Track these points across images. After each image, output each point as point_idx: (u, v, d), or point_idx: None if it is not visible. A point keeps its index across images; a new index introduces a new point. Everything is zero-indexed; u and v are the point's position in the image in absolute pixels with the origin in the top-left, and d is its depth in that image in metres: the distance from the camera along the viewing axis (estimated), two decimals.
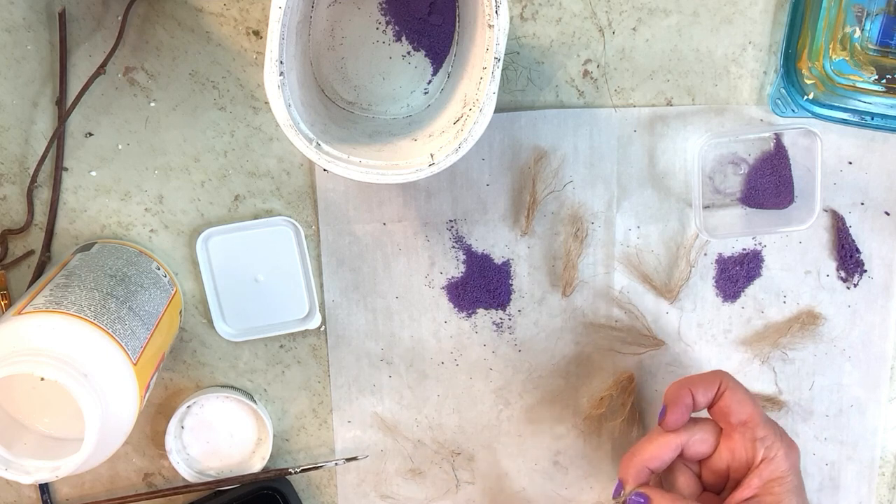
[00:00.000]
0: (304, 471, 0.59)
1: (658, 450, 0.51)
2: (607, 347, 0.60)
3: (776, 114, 0.55)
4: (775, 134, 0.56)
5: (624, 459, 0.52)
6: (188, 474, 0.58)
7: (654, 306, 0.59)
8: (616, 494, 0.52)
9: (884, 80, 0.53)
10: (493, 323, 0.59)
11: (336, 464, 0.60)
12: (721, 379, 0.51)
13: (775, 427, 0.51)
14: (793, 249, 0.59)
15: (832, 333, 0.60)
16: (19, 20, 0.52)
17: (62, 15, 0.52)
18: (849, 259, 0.58)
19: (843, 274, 0.59)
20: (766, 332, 0.60)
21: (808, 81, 0.54)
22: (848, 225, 0.58)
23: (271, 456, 0.59)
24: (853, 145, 0.57)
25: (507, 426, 0.61)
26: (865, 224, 0.58)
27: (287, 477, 0.60)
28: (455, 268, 0.58)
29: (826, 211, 0.58)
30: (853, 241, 0.58)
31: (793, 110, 0.54)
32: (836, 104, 0.54)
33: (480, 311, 0.59)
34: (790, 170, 0.56)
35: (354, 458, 0.60)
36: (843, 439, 0.62)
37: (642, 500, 0.50)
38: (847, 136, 0.57)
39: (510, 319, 0.59)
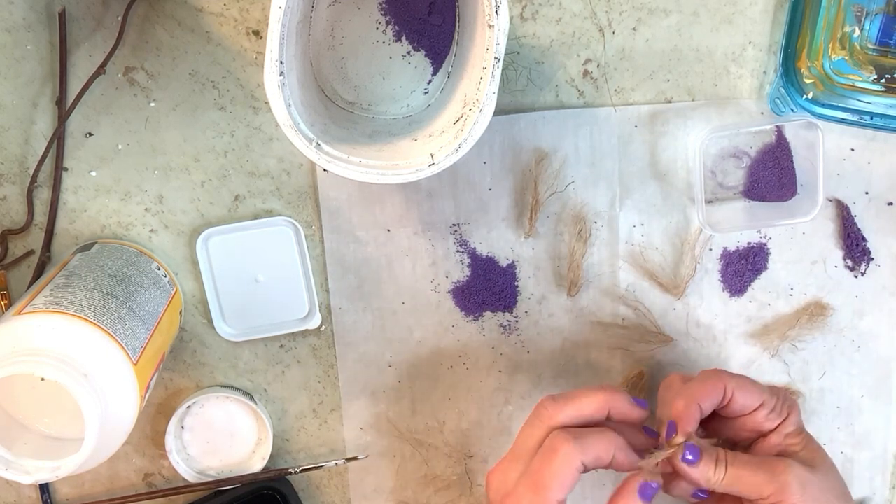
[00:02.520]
0: (304, 471, 0.59)
1: (713, 390, 0.49)
2: (616, 346, 0.60)
3: (775, 113, 0.55)
4: (777, 126, 0.56)
5: (677, 399, 0.49)
6: (188, 474, 0.58)
7: (661, 303, 0.59)
8: (669, 436, 0.49)
9: (883, 80, 0.53)
10: (500, 325, 0.59)
11: (336, 464, 0.60)
12: (725, 384, 0.50)
13: (778, 392, 0.50)
14: (798, 241, 0.59)
15: (841, 324, 0.60)
16: (19, 20, 0.52)
17: (62, 15, 0.52)
18: (855, 247, 0.58)
19: (850, 263, 0.59)
20: (775, 325, 0.60)
21: (808, 81, 0.54)
22: (853, 214, 0.58)
23: (271, 456, 0.59)
24: (853, 145, 0.57)
25: (519, 427, 0.61)
26: (870, 213, 0.58)
27: (287, 477, 0.60)
28: (460, 272, 0.58)
29: (830, 200, 0.58)
30: (859, 229, 0.58)
31: (792, 109, 0.54)
32: (835, 104, 0.54)
33: (487, 313, 0.59)
34: (792, 161, 0.56)
35: (354, 458, 0.60)
36: (854, 430, 0.62)
37: (694, 454, 0.48)
38: (847, 136, 0.57)
39: (517, 321, 0.59)
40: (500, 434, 0.61)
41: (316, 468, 0.60)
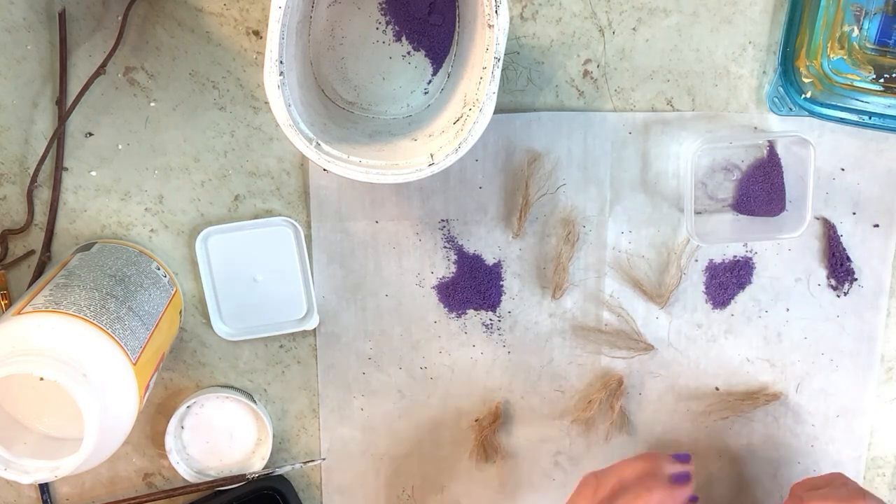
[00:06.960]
0: (260, 477, 0.58)
1: None
2: (597, 351, 0.60)
3: (774, 112, 0.55)
4: (769, 141, 0.56)
5: None
6: (188, 474, 0.58)
7: (644, 311, 0.59)
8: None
9: (881, 80, 0.54)
10: (483, 324, 0.59)
11: (293, 467, 0.60)
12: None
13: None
14: (783, 257, 0.59)
15: (820, 343, 0.60)
16: (19, 20, 0.52)
17: (62, 15, 0.52)
18: (839, 267, 0.58)
19: (833, 282, 0.59)
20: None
21: (806, 80, 0.54)
22: (839, 234, 0.58)
23: (271, 456, 0.59)
24: (849, 145, 0.57)
25: (500, 426, 0.61)
26: (857, 234, 0.58)
27: (287, 476, 0.60)
28: (446, 268, 0.58)
29: (818, 219, 0.58)
30: (844, 249, 0.58)
31: (790, 108, 0.54)
32: (833, 103, 0.54)
33: (470, 311, 0.59)
34: (782, 177, 0.56)
35: (311, 461, 0.60)
36: (829, 448, 0.62)
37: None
38: (844, 136, 0.57)
39: (500, 321, 0.59)
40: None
41: (269, 475, 0.58)
